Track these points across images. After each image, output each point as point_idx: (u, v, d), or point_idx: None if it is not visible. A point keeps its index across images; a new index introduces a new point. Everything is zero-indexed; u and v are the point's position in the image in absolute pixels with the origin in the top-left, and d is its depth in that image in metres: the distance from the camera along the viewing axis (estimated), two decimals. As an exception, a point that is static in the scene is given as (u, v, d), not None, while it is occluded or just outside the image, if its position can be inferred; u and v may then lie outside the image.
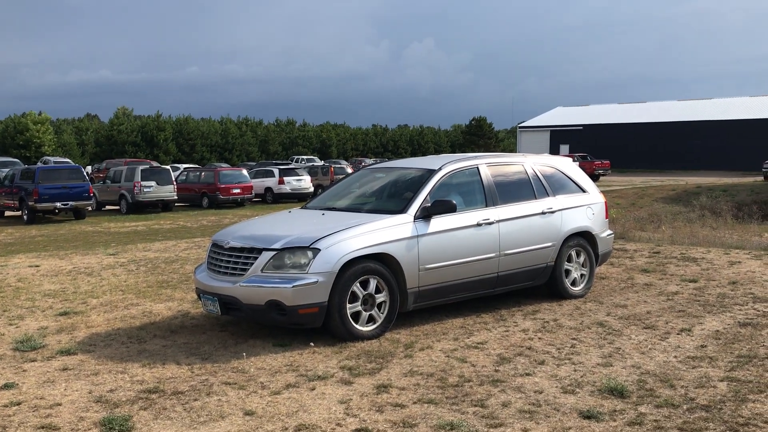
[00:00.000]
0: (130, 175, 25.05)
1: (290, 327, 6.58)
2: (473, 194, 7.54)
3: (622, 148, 60.53)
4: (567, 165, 8.71)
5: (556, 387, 5.15)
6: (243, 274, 6.46)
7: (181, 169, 35.43)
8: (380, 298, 6.60)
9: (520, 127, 70.89)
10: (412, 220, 6.86)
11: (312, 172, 34.36)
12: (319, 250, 6.30)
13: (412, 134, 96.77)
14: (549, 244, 7.89)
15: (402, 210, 6.94)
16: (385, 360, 5.87)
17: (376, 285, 6.58)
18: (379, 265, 6.57)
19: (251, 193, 28.32)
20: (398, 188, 7.73)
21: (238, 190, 27.52)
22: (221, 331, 6.96)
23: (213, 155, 72.78)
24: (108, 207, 26.65)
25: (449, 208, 6.99)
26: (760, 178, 32.55)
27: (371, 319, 6.59)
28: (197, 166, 48.35)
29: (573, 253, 8.21)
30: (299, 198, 30.96)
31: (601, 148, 58.78)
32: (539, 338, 6.49)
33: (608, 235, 8.77)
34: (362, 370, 5.62)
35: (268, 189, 30.89)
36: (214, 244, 7.03)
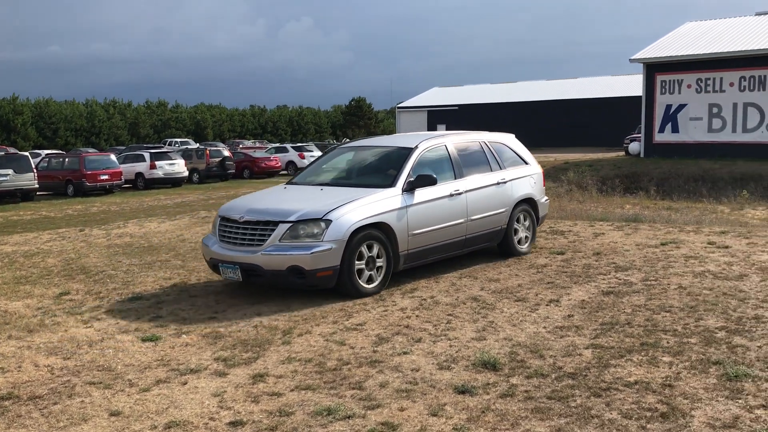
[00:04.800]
0: (-16, 163, 23.15)
1: (306, 289, 7.33)
2: (443, 168, 8.50)
3: (495, 127, 61.48)
4: (512, 141, 9.95)
5: (433, 364, 5.21)
6: (261, 244, 7.20)
7: (43, 155, 33.25)
8: (379, 262, 7.53)
9: (399, 108, 71.58)
10: (401, 192, 7.83)
11: (186, 155, 33.09)
12: (331, 221, 7.16)
13: (292, 115, 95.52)
14: (503, 209, 9.08)
15: (391, 184, 7.88)
16: (262, 348, 5.73)
17: (378, 250, 7.46)
18: (378, 231, 7.49)
19: (120, 180, 26.99)
20: (381, 164, 8.62)
21: (106, 177, 26.12)
22: (85, 328, 6.55)
23: (78, 140, 68.68)
24: (-41, 198, 24.55)
25: (431, 182, 8.01)
26: (622, 153, 34.50)
27: (370, 279, 7.46)
28: (61, 151, 45.62)
29: (521, 217, 9.44)
30: (173, 183, 29.82)
31: (476, 126, 60.16)
32: (417, 316, 6.56)
33: (545, 201, 10.17)
34: (237, 360, 5.45)
35: (139, 174, 29.50)
36: (224, 218, 7.74)
